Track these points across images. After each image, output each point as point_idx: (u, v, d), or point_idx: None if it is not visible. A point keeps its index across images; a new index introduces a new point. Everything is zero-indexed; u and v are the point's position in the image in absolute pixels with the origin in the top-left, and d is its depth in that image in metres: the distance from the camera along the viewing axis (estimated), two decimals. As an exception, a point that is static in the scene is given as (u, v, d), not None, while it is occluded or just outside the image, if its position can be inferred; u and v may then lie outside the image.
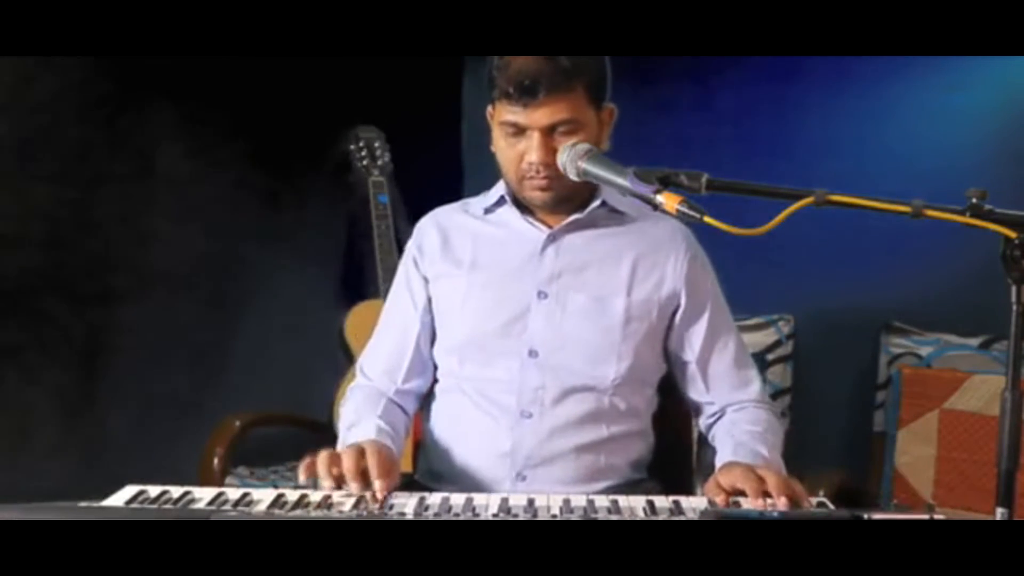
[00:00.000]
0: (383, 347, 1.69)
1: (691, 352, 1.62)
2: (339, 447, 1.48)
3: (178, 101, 2.64)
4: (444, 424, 1.63)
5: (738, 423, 1.57)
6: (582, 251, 1.59)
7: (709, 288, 1.63)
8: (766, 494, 1.29)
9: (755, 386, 1.63)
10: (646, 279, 1.59)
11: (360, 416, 1.58)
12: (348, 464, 1.34)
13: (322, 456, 1.37)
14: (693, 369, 1.63)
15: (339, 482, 1.35)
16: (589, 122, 1.51)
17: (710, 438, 1.63)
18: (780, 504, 1.26)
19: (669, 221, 1.54)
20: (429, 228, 1.69)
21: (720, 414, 1.63)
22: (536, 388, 1.54)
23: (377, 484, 1.33)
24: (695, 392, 1.65)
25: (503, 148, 1.54)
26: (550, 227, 1.60)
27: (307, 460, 1.38)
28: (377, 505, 1.30)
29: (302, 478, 1.36)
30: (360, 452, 1.37)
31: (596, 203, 1.60)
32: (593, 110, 1.52)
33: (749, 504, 1.30)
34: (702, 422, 1.66)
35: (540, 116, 1.47)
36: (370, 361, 1.70)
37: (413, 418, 1.69)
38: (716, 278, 1.65)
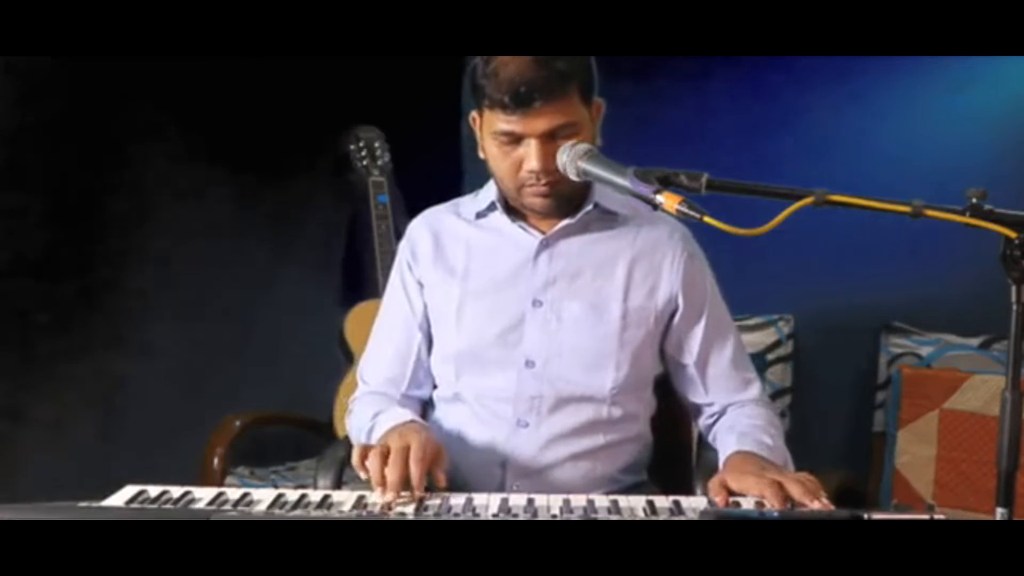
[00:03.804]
0: (384, 355, 1.65)
1: (689, 356, 1.60)
2: (356, 454, 1.37)
3: (178, 102, 2.64)
4: (441, 433, 1.58)
5: (739, 418, 1.56)
6: (576, 257, 1.55)
7: (707, 289, 1.60)
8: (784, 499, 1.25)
9: (755, 386, 1.62)
10: (642, 284, 1.56)
11: (382, 408, 1.55)
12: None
13: (376, 453, 1.32)
14: (692, 372, 1.61)
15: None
16: (584, 121, 1.47)
17: (710, 438, 1.62)
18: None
19: (665, 220, 1.50)
20: (421, 231, 1.64)
21: (720, 414, 1.62)
22: (533, 398, 1.52)
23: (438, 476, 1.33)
24: (694, 395, 1.63)
25: (497, 157, 1.49)
26: (542, 232, 1.56)
27: (360, 452, 1.34)
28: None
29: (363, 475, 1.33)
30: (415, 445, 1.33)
31: (588, 207, 1.55)
32: (585, 108, 1.48)
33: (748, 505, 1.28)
34: (701, 422, 1.65)
35: (538, 124, 1.42)
36: (371, 369, 1.66)
37: None
38: (714, 278, 1.63)
